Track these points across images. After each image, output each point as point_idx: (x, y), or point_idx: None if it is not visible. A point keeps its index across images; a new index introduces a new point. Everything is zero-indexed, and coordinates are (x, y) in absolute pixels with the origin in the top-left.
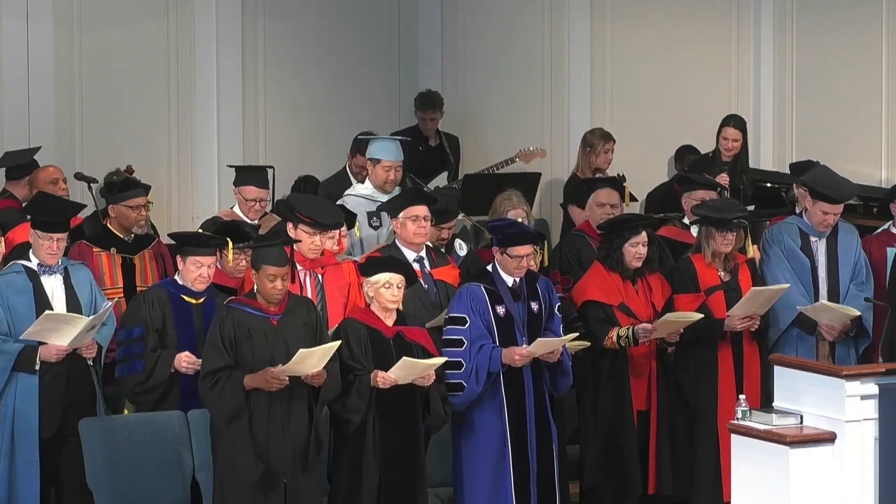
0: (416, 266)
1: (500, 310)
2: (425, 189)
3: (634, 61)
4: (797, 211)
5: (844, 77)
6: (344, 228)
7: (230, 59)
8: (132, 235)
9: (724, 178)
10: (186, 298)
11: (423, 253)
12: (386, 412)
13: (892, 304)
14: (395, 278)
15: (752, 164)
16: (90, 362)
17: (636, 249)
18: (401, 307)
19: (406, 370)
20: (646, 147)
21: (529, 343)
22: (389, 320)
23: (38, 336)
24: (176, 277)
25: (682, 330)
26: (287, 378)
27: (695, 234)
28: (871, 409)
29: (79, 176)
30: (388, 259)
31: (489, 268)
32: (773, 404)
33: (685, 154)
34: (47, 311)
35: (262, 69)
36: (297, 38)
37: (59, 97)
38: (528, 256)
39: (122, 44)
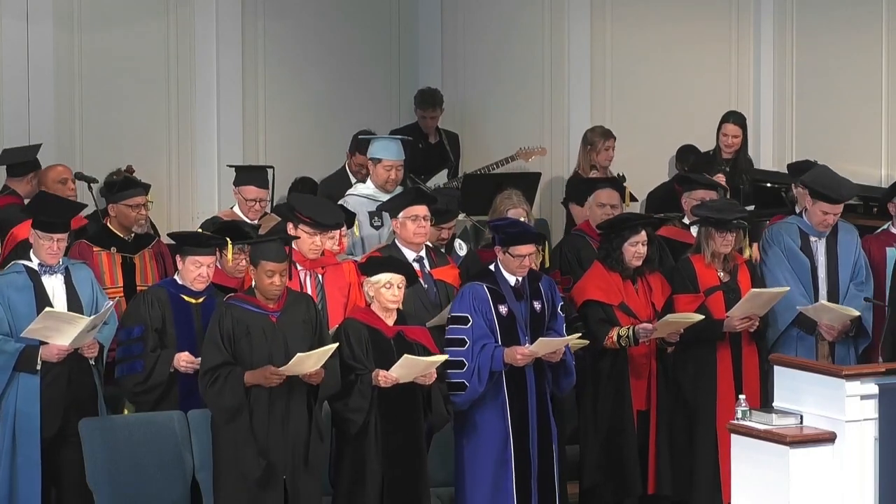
0: (415, 266)
1: (503, 309)
2: (425, 189)
3: (634, 61)
4: (797, 211)
5: (844, 77)
6: (344, 228)
7: (230, 59)
8: (132, 235)
9: (720, 178)
10: (186, 298)
11: (422, 253)
12: (388, 411)
13: (893, 306)
14: (396, 278)
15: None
16: (92, 362)
17: (636, 249)
18: (401, 307)
19: (407, 368)
20: (646, 147)
21: (532, 342)
22: (390, 320)
23: (38, 335)
24: (176, 277)
25: (682, 330)
26: (285, 375)
27: (695, 234)
28: (871, 409)
29: (79, 176)
30: (388, 259)
31: (492, 267)
32: (773, 404)
33: (686, 154)
34: (47, 309)
35: (262, 69)
36: (297, 38)
37: (59, 97)
38: (531, 256)
39: (122, 44)
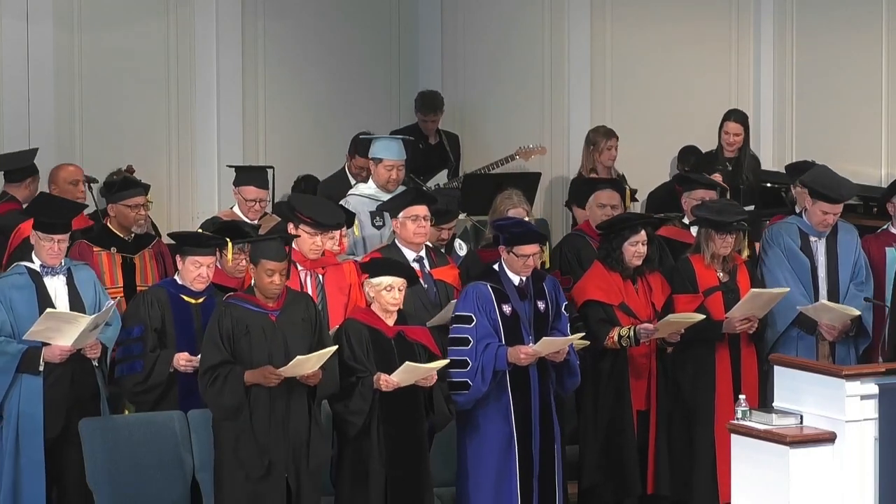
0: (415, 266)
1: (507, 309)
2: (425, 189)
3: (634, 61)
4: (797, 211)
5: (844, 77)
6: (343, 228)
7: (230, 59)
8: (132, 235)
9: (716, 177)
10: (186, 298)
11: (422, 253)
12: (389, 411)
13: (894, 307)
14: (397, 282)
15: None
16: (95, 363)
17: (636, 248)
18: (401, 307)
19: (409, 374)
20: (646, 147)
21: (536, 342)
22: (390, 320)
23: (41, 336)
24: (175, 277)
25: (682, 330)
26: (284, 376)
27: (695, 234)
28: (871, 409)
29: None
30: (390, 262)
31: (495, 267)
32: (773, 404)
33: (688, 155)
34: (49, 310)
35: (262, 69)
36: (297, 38)
37: (59, 97)
38: (535, 255)
39: (122, 44)
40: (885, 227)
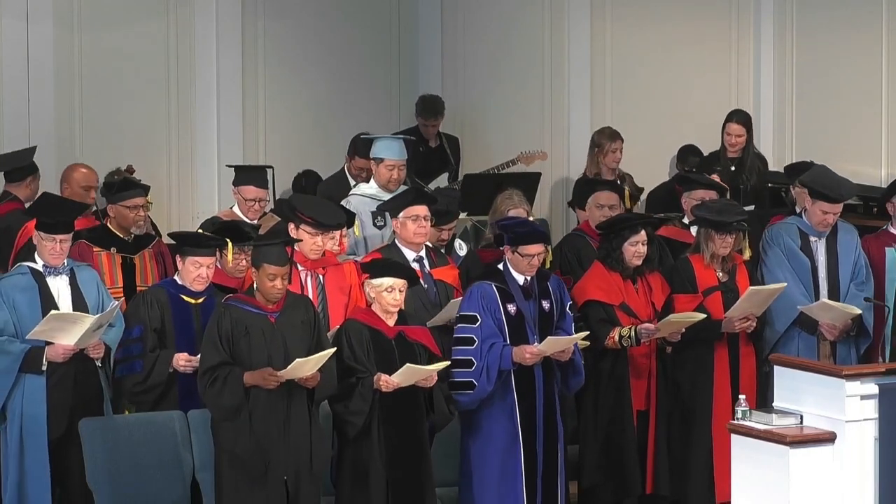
0: (415, 266)
1: (511, 308)
2: (426, 189)
3: (634, 61)
4: (797, 211)
5: (844, 77)
6: (344, 229)
7: (230, 59)
8: (132, 235)
9: (713, 178)
10: (186, 298)
11: (422, 253)
12: (389, 412)
13: None
14: (398, 283)
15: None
16: (98, 364)
17: (636, 248)
18: (403, 307)
19: (409, 375)
20: (646, 147)
21: (541, 342)
22: (391, 320)
23: (44, 336)
24: (175, 277)
25: (683, 330)
26: (283, 378)
27: (694, 234)
28: (871, 409)
29: None
30: (390, 262)
31: (500, 266)
32: (773, 404)
33: (687, 155)
34: (53, 311)
35: (262, 69)
36: (297, 38)
37: (59, 97)
38: (539, 255)
39: (122, 44)
40: (884, 227)
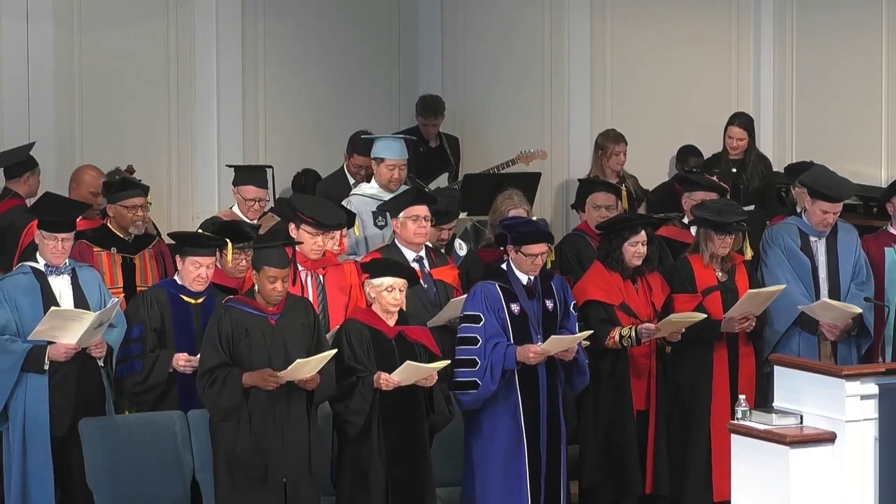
0: (415, 266)
1: (515, 308)
2: (426, 189)
3: (634, 61)
4: (797, 211)
5: (844, 77)
6: (344, 229)
7: (230, 59)
8: (132, 235)
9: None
10: (186, 298)
11: (422, 253)
12: (389, 412)
13: None
14: (398, 282)
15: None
16: (101, 363)
17: (636, 249)
18: (404, 307)
19: (409, 373)
20: (646, 147)
21: (544, 341)
22: (391, 320)
23: (46, 335)
24: (175, 277)
25: (683, 330)
26: (283, 380)
27: (694, 235)
28: (871, 409)
29: None
30: (391, 262)
31: (503, 266)
32: (773, 404)
33: (686, 155)
34: (53, 308)
35: (262, 69)
36: (297, 38)
37: (59, 97)
38: (543, 255)
39: (122, 44)
40: (884, 227)
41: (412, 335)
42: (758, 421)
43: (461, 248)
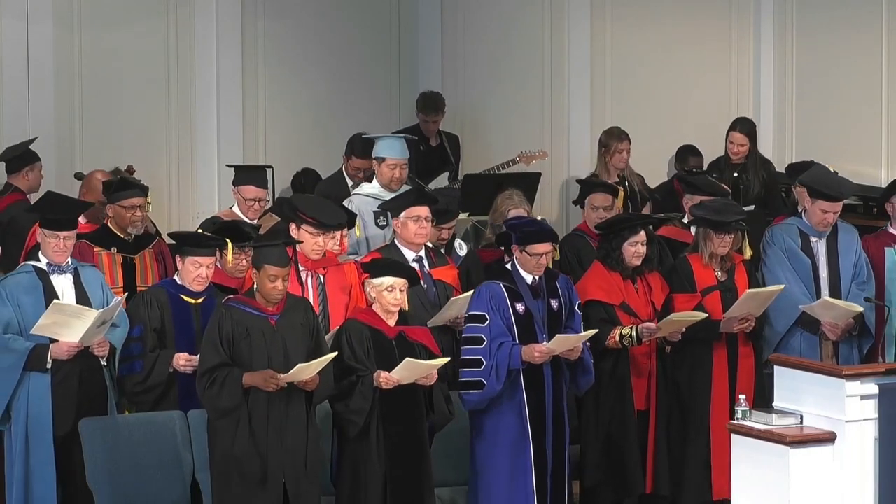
0: (414, 266)
1: (520, 307)
2: (426, 189)
3: (634, 61)
4: (798, 211)
5: (844, 77)
6: (345, 229)
7: (230, 59)
8: (132, 235)
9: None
10: (186, 298)
11: (421, 253)
12: (389, 411)
13: None
14: (399, 282)
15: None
16: (103, 363)
17: (635, 249)
18: (405, 307)
19: (409, 371)
20: (646, 147)
21: (549, 341)
22: (391, 321)
23: (48, 331)
24: (175, 277)
25: (684, 329)
26: (284, 382)
27: (694, 234)
28: (871, 409)
29: (78, 176)
30: (391, 262)
31: (508, 266)
32: (773, 404)
33: (686, 155)
34: (55, 301)
35: (262, 69)
36: (297, 38)
37: (59, 97)
38: (548, 254)
39: (122, 44)
40: (884, 227)
41: (412, 335)
42: (758, 421)
43: (461, 248)
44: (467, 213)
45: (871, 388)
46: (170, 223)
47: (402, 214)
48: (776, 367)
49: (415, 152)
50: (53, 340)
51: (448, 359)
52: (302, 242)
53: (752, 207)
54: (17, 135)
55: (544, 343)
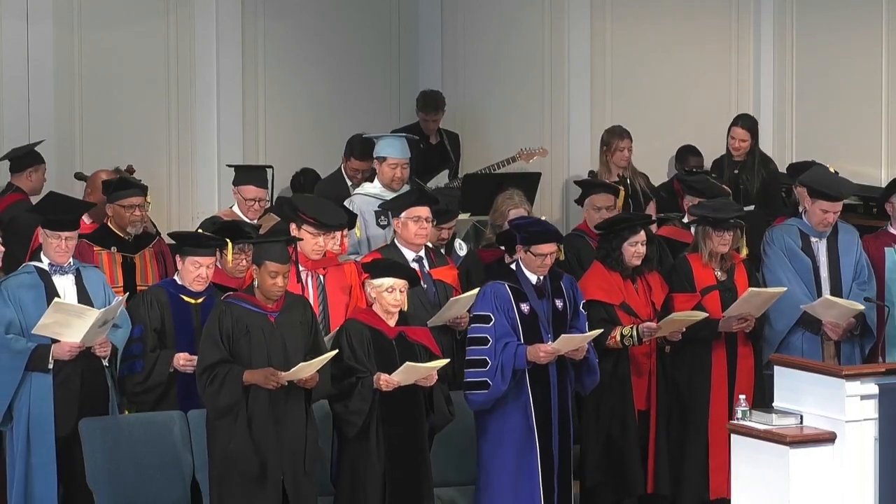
0: (414, 266)
1: (525, 307)
2: (427, 190)
3: (634, 61)
4: (799, 211)
5: (844, 77)
6: (345, 229)
7: (230, 59)
8: (132, 235)
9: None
10: (186, 298)
11: (421, 253)
12: (389, 412)
13: None
14: (399, 283)
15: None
16: (105, 363)
17: (635, 248)
18: (405, 308)
19: (409, 373)
20: (646, 147)
21: (555, 340)
22: (392, 321)
23: (49, 331)
24: (175, 277)
25: (684, 329)
26: (285, 380)
27: (694, 234)
28: (871, 409)
29: (79, 176)
30: (391, 263)
31: (513, 266)
32: (773, 404)
33: (686, 155)
34: (56, 300)
35: (262, 69)
36: (297, 38)
37: (59, 97)
38: (552, 254)
39: (122, 44)
40: (884, 227)
41: (412, 335)
42: (758, 421)
43: (461, 248)
44: (467, 214)
45: (871, 388)
46: (170, 223)
47: (403, 214)
48: (776, 367)
49: (415, 152)
50: (55, 341)
51: (448, 360)
52: (302, 240)
53: (752, 207)
54: (18, 135)
55: (549, 343)
